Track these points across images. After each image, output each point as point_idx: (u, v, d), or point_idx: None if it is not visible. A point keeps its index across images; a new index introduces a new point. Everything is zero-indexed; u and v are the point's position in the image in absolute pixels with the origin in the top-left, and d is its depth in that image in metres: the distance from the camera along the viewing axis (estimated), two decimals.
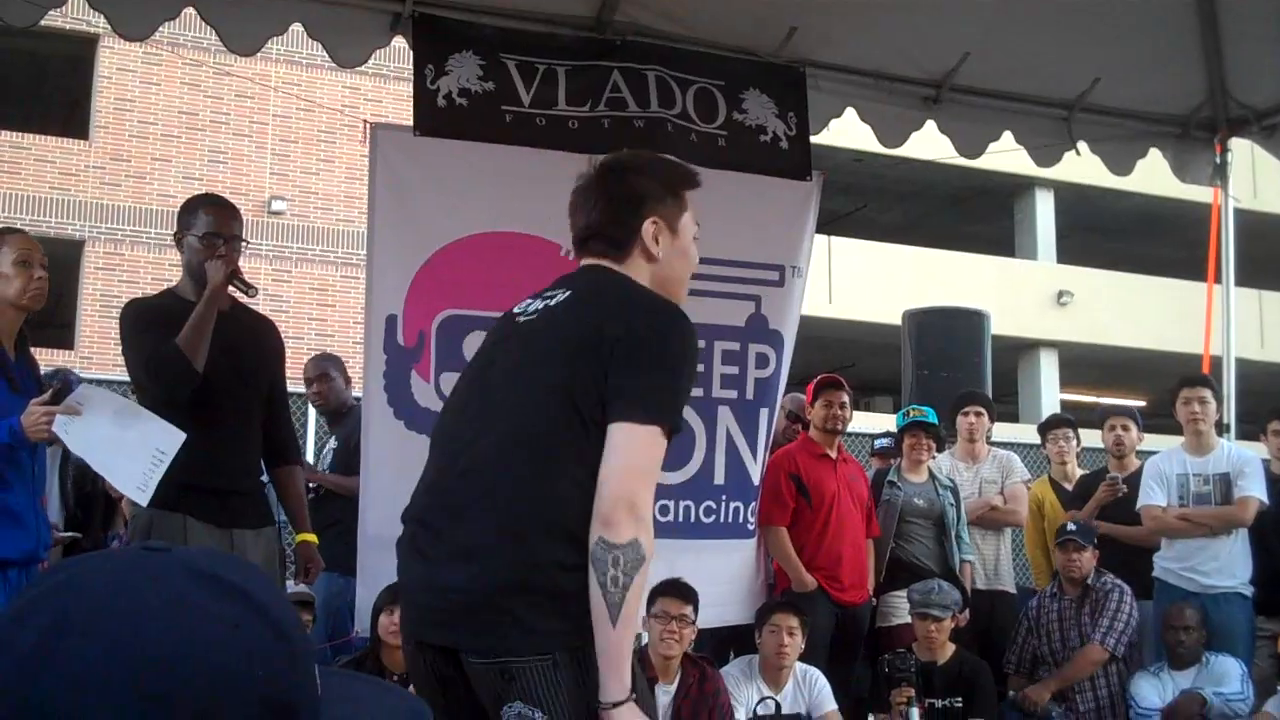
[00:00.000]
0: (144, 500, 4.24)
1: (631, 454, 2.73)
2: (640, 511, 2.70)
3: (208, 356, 4.44)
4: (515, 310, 3.11)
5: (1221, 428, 7.28)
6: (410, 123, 5.83)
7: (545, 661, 2.71)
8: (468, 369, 3.20)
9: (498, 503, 2.81)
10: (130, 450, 4.22)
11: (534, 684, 2.70)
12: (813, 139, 6.55)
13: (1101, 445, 8.10)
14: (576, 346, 2.85)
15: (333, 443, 7.23)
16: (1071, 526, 7.20)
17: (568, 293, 3.02)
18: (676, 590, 5.84)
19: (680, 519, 6.26)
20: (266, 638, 0.99)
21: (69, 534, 6.57)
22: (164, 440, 4.23)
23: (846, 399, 6.91)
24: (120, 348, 4.77)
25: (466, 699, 2.82)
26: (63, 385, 4.62)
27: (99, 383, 7.53)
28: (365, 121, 6.14)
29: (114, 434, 4.23)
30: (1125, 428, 7.74)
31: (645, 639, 6.13)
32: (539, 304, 3.05)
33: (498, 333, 3.14)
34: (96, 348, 17.40)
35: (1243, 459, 6.96)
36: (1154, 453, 7.47)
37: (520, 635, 2.72)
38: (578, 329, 2.89)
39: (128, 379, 5.46)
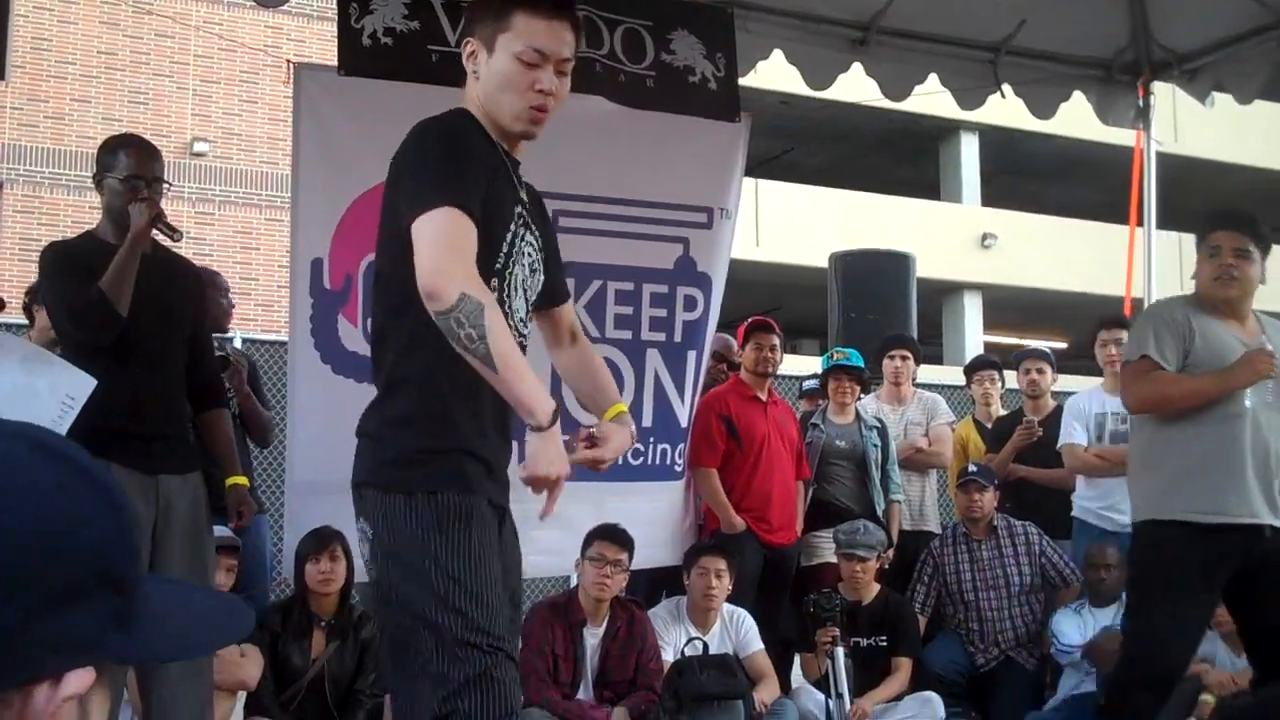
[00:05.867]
0: None
1: (426, 237, 2.82)
2: (454, 272, 2.77)
3: (130, 300, 4.39)
4: None
5: None
6: (334, 63, 5.77)
7: (377, 491, 3.01)
8: None
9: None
10: (39, 397, 4.16)
11: (371, 507, 3.02)
12: (740, 81, 6.55)
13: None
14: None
15: None
16: (972, 468, 7.32)
17: None
18: (614, 536, 5.88)
19: None
20: (96, 504, 0.98)
21: None
22: (74, 386, 4.18)
23: (777, 342, 6.93)
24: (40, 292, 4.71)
25: None
26: None
27: (18, 328, 7.43)
28: (288, 61, 6.05)
29: (22, 381, 4.17)
30: (1040, 370, 7.84)
31: (575, 580, 6.17)
32: None
33: None
34: (16, 293, 17.10)
35: None
36: (1073, 393, 7.57)
37: (361, 466, 3.09)
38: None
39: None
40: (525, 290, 3.17)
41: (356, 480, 3.10)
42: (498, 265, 3.03)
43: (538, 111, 3.06)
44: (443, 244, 2.80)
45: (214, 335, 5.43)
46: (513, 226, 3.08)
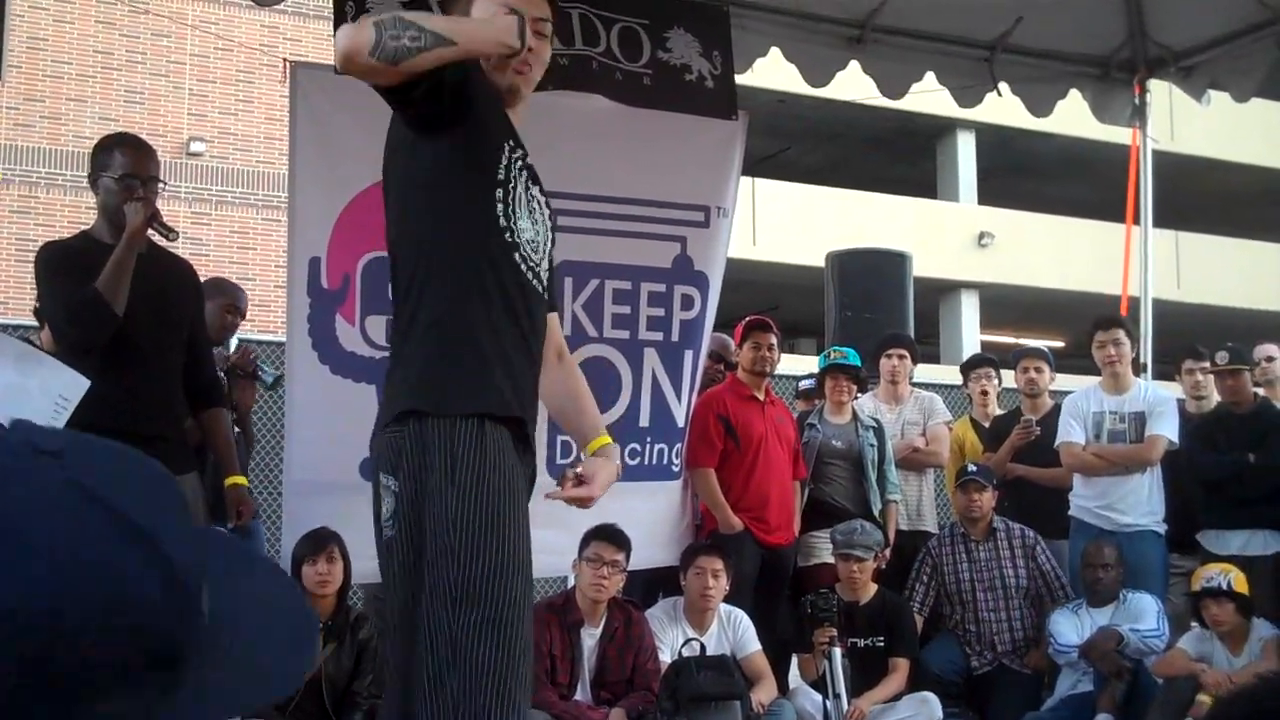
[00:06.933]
0: None
1: None
2: (353, 26, 2.74)
3: (127, 300, 4.38)
4: None
5: (1139, 367, 7.39)
6: (331, 62, 5.75)
7: (394, 433, 2.92)
8: None
9: None
10: (31, 397, 4.14)
11: (383, 454, 2.95)
12: (736, 80, 6.54)
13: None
14: None
15: None
16: (972, 468, 7.31)
17: None
18: (611, 536, 5.86)
19: None
20: (154, 586, 0.86)
21: None
22: (67, 387, 4.16)
23: (775, 341, 6.92)
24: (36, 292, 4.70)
25: None
26: None
27: (15, 329, 7.42)
28: (285, 60, 6.05)
29: (15, 381, 4.16)
30: (1038, 369, 7.83)
31: (572, 581, 6.16)
32: None
33: None
34: (13, 293, 17.10)
35: (1158, 399, 7.07)
36: (1070, 392, 7.57)
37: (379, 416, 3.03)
38: None
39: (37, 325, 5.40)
40: (533, 218, 3.12)
41: (374, 432, 3.03)
42: (499, 177, 3.00)
43: (518, 66, 3.07)
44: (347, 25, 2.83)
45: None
46: (506, 148, 3.04)
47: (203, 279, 5.25)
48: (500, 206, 2.98)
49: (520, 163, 3.08)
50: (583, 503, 3.13)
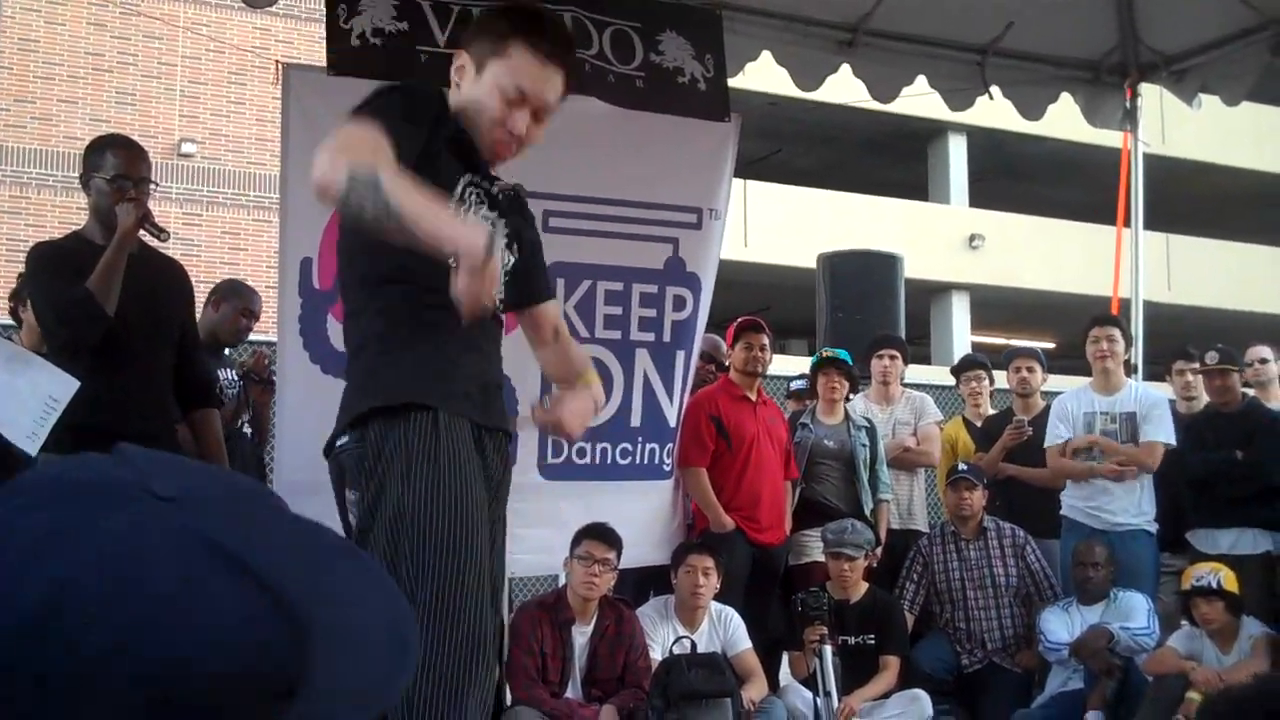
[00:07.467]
0: (33, 449, 4.16)
1: (319, 152, 2.67)
2: (336, 160, 2.58)
3: (118, 300, 4.39)
4: None
5: (1130, 368, 7.40)
6: (323, 64, 5.76)
7: (357, 448, 2.96)
8: None
9: None
10: (21, 398, 4.15)
11: (349, 469, 2.99)
12: (729, 83, 6.55)
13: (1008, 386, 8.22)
14: None
15: None
16: (962, 466, 7.33)
17: None
18: (602, 535, 5.88)
19: (597, 460, 6.28)
20: (278, 629, 0.84)
21: None
22: (56, 387, 4.17)
23: (767, 341, 6.94)
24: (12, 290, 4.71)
25: None
26: None
27: (6, 329, 7.42)
28: (277, 62, 6.05)
29: (4, 381, 4.17)
30: (1030, 369, 7.85)
31: (564, 579, 6.17)
32: None
33: None
34: (4, 293, 17.08)
35: (1150, 400, 7.08)
36: (1061, 393, 7.59)
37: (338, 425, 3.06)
38: None
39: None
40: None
41: (330, 441, 3.08)
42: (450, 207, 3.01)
43: (500, 145, 3.07)
44: (327, 146, 2.64)
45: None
46: (461, 181, 3.05)
47: (194, 280, 5.25)
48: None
49: (476, 191, 3.10)
50: (560, 430, 3.15)
